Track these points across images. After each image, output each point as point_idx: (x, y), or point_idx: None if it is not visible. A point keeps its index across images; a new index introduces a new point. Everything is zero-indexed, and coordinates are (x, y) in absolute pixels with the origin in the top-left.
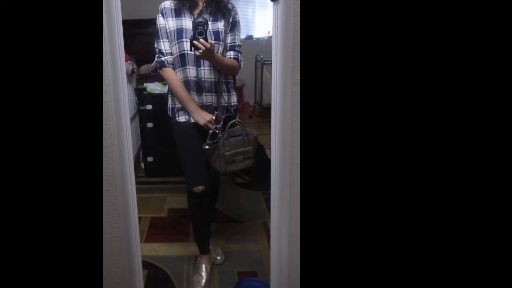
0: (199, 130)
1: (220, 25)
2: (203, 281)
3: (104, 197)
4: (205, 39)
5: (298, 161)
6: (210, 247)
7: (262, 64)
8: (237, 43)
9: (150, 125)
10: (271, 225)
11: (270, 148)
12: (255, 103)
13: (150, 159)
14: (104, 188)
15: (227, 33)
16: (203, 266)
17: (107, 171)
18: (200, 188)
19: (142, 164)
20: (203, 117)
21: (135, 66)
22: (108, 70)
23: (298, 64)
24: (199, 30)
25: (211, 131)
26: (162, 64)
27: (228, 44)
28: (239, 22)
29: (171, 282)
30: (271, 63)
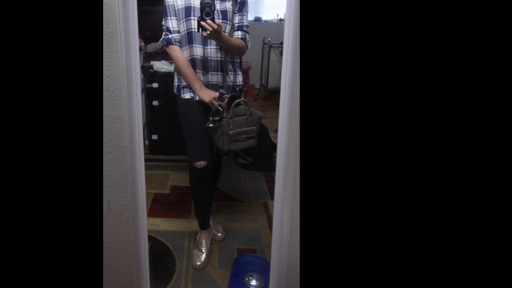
0: (203, 107)
1: (228, 4)
2: (203, 256)
3: (112, 167)
4: (212, 20)
5: None
6: (211, 223)
7: (270, 47)
8: (244, 23)
9: (155, 103)
10: (274, 204)
11: (273, 131)
12: (260, 86)
13: (154, 136)
14: (113, 158)
15: (235, 13)
16: (203, 241)
17: (116, 141)
18: (202, 163)
19: (147, 142)
20: (208, 94)
21: (142, 44)
22: (121, 42)
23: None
24: (206, 11)
25: (214, 108)
26: (169, 42)
27: (236, 24)
28: (247, 2)
29: (172, 256)
30: (278, 46)
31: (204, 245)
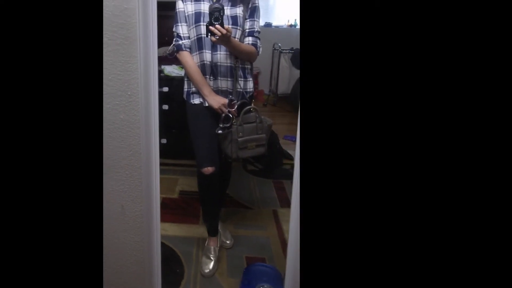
0: (212, 113)
1: (239, 10)
2: (212, 263)
3: (127, 172)
4: (221, 24)
5: None
6: (220, 230)
7: (280, 53)
8: (256, 29)
9: (165, 107)
10: (291, 213)
11: (282, 137)
12: (270, 91)
13: (163, 141)
14: (128, 163)
15: (246, 19)
16: (212, 248)
17: (133, 147)
18: (210, 169)
19: None
20: (217, 101)
21: None
22: (141, 47)
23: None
24: (215, 16)
25: (224, 114)
26: (179, 48)
27: (247, 30)
28: (258, 8)
29: (180, 262)
30: (288, 52)
31: (212, 252)
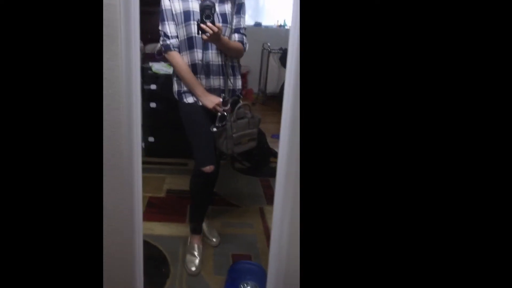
0: (206, 112)
1: (228, 7)
2: (197, 261)
3: (109, 173)
4: (213, 22)
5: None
6: (206, 229)
7: (269, 53)
8: (242, 26)
9: (153, 105)
10: (274, 210)
11: (270, 136)
12: (258, 90)
13: (151, 139)
14: (110, 164)
15: (233, 15)
16: (196, 246)
17: (115, 147)
18: (211, 167)
19: (143, 144)
20: (212, 100)
21: (141, 45)
22: (122, 45)
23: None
24: (207, 13)
25: (219, 114)
26: (167, 48)
27: (234, 27)
28: (244, 4)
29: (166, 261)
30: (277, 52)
31: (196, 250)
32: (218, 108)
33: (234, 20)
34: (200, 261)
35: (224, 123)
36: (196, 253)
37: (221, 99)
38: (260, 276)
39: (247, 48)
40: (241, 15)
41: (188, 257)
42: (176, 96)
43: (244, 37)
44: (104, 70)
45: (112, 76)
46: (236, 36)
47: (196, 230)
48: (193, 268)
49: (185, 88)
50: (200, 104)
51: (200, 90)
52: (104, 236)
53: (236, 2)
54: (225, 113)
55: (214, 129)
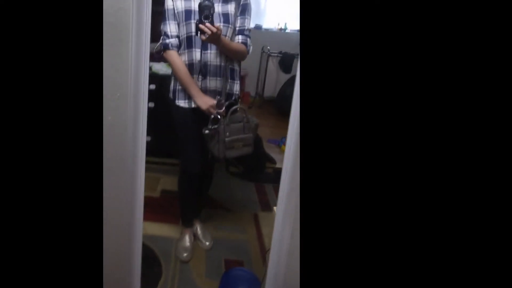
0: (199, 114)
1: (231, 7)
2: (188, 248)
3: (112, 175)
4: (211, 22)
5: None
6: (200, 231)
7: (268, 56)
8: (246, 27)
9: (151, 104)
10: (276, 217)
11: (267, 141)
12: (256, 94)
13: (148, 138)
14: (115, 166)
15: (237, 16)
16: (187, 236)
17: (119, 149)
18: (195, 170)
19: None
20: (205, 102)
21: None
22: (133, 49)
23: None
24: (205, 13)
25: (212, 116)
26: (166, 47)
27: (237, 28)
28: (250, 5)
29: (158, 261)
30: (277, 56)
31: (188, 239)
32: (211, 110)
33: (239, 21)
34: (192, 249)
35: (216, 126)
36: (187, 241)
37: (215, 101)
38: (253, 284)
39: (250, 51)
40: (246, 16)
41: (180, 244)
42: (170, 95)
43: (248, 39)
44: (113, 73)
45: (121, 80)
46: (239, 38)
47: (186, 224)
48: (185, 254)
49: (180, 87)
50: (193, 106)
51: (195, 90)
52: (104, 237)
53: (241, 3)
54: (219, 116)
55: (206, 131)
